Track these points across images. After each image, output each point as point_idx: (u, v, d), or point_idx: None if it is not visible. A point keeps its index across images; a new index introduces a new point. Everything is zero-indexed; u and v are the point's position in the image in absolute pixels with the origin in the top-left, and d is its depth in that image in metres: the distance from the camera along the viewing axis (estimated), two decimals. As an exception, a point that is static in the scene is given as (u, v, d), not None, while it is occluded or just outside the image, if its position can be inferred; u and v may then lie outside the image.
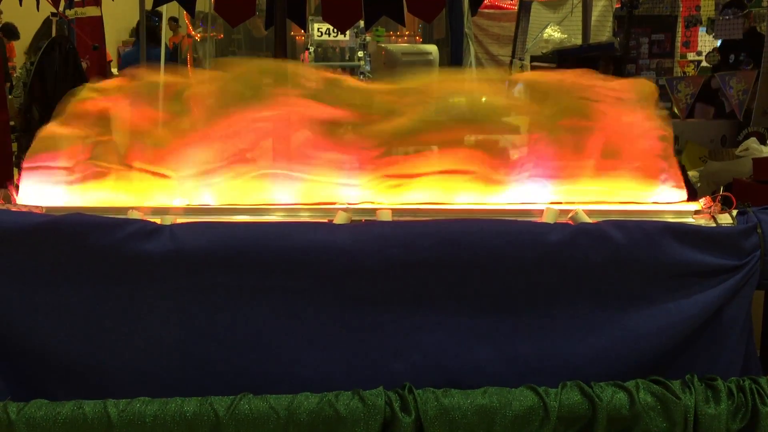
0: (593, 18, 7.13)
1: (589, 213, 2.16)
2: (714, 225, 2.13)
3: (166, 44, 8.60)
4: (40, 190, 2.26)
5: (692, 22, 8.09)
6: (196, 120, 2.32)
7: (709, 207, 2.20)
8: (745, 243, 2.05)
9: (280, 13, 4.34)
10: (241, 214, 2.23)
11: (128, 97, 2.35)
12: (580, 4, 6.43)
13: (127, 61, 7.26)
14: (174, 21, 10.91)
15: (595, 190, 2.30)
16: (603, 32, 8.25)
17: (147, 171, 2.29)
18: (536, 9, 9.10)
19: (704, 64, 6.81)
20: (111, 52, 10.30)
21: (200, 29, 9.60)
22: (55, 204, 2.23)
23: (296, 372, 2.02)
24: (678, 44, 7.84)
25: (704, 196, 2.30)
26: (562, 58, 5.78)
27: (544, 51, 6.92)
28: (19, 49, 10.62)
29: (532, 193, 2.31)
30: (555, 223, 2.10)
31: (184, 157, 2.29)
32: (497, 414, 1.88)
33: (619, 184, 2.31)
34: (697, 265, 2.03)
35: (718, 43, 6.50)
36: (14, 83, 7.39)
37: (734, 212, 2.16)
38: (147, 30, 7.57)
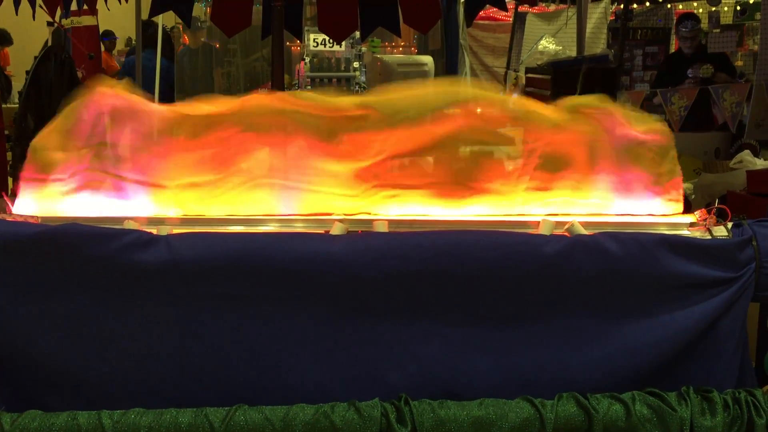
0: (588, 30, 7.17)
1: (585, 225, 2.16)
2: (709, 237, 2.14)
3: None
4: (35, 200, 2.25)
5: (685, 35, 8.12)
6: (191, 129, 2.32)
7: (704, 219, 2.21)
8: (740, 255, 2.06)
9: (278, 24, 4.35)
10: (237, 225, 2.22)
11: (126, 105, 2.35)
12: (575, 17, 6.46)
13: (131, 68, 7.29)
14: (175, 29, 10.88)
15: (590, 202, 2.31)
16: (597, 44, 8.30)
17: (143, 181, 2.28)
18: (531, 21, 9.15)
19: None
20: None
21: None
22: (50, 214, 2.22)
23: (292, 383, 2.01)
24: (671, 56, 7.87)
25: (698, 208, 2.31)
26: (556, 69, 5.80)
27: (539, 62, 6.94)
28: (14, 55, 10.59)
29: (528, 205, 2.31)
30: (551, 235, 2.10)
31: (180, 167, 2.29)
32: (493, 426, 1.87)
33: (613, 196, 2.31)
34: (692, 278, 2.03)
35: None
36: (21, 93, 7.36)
37: (729, 225, 2.16)
38: (148, 38, 7.57)
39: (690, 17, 6.68)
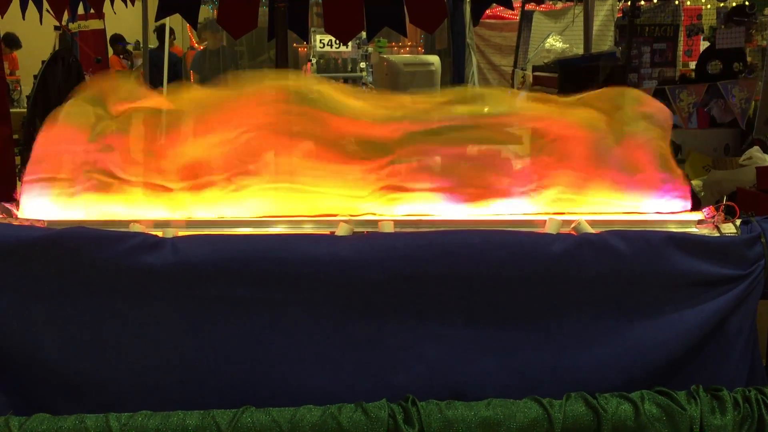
0: (595, 28, 7.15)
1: (592, 223, 2.15)
2: (717, 235, 2.13)
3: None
4: (41, 204, 2.26)
5: (694, 31, 8.10)
6: (198, 131, 2.32)
7: (713, 217, 2.20)
8: (748, 252, 2.04)
9: (281, 25, 4.35)
10: (243, 227, 2.22)
11: (129, 110, 2.35)
12: (582, 14, 6.44)
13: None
14: (170, 33, 10.89)
15: (598, 200, 2.30)
16: (605, 42, 8.27)
17: (149, 183, 2.28)
18: (538, 19, 9.14)
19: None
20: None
21: (205, 42, 9.62)
22: (56, 217, 2.23)
23: (299, 384, 2.01)
24: (680, 53, 7.84)
25: (708, 205, 2.29)
26: (564, 67, 5.78)
27: (546, 61, 6.93)
28: (22, 59, 10.64)
29: (535, 204, 2.30)
30: (558, 234, 2.09)
31: (187, 170, 2.29)
32: (501, 426, 1.87)
33: (621, 194, 2.30)
34: (700, 275, 2.02)
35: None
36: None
37: (738, 222, 2.15)
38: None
39: (736, 13, 6.54)
